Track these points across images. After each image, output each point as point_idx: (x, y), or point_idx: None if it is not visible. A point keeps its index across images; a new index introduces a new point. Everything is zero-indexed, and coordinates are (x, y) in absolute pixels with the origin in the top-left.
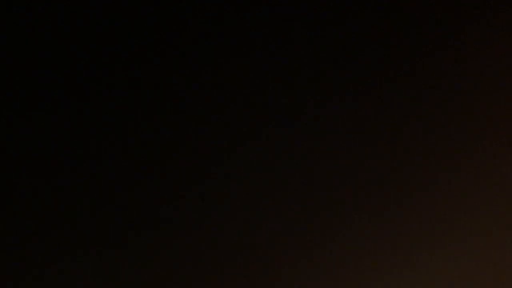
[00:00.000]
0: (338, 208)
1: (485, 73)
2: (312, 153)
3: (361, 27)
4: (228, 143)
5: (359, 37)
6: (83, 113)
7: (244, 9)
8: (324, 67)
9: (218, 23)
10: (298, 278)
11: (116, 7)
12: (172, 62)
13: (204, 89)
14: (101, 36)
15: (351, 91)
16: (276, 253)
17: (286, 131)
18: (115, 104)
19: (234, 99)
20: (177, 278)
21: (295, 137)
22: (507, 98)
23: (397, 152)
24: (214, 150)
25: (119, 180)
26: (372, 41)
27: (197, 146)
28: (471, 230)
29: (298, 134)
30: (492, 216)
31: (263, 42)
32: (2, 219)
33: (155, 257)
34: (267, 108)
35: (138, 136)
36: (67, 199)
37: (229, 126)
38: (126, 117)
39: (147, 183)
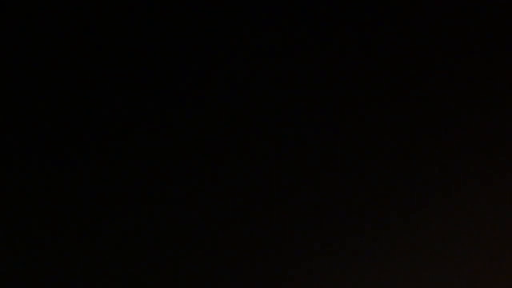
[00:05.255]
0: (338, 211)
1: (487, 73)
2: (314, 155)
3: (361, 27)
4: (228, 143)
5: (359, 37)
6: (83, 113)
7: (244, 9)
8: (324, 67)
9: (218, 23)
10: (298, 280)
11: (116, 7)
12: (172, 63)
13: (205, 89)
14: (101, 36)
15: (352, 91)
16: (276, 254)
17: (286, 132)
18: (114, 104)
19: (235, 99)
20: (177, 278)
21: (295, 137)
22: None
23: (399, 155)
24: (214, 150)
25: (118, 179)
26: (374, 42)
27: (197, 146)
28: (473, 235)
29: (299, 134)
30: (495, 220)
31: (262, 42)
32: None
33: (155, 258)
34: (266, 109)
35: (137, 135)
36: (66, 198)
37: (229, 126)
38: (125, 117)
39: (148, 183)
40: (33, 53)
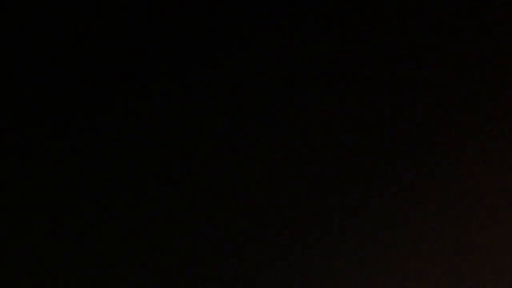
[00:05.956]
0: (336, 209)
1: (486, 72)
2: (310, 153)
3: (360, 27)
4: (226, 142)
5: (358, 36)
6: (80, 112)
7: (243, 9)
8: (323, 66)
9: (217, 23)
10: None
11: (116, 8)
12: (172, 63)
13: (205, 89)
14: (101, 37)
15: (350, 90)
16: (274, 254)
17: (285, 131)
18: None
19: (234, 99)
20: (177, 278)
21: (293, 137)
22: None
23: (396, 151)
24: (214, 150)
25: (118, 178)
26: (371, 40)
27: (197, 146)
28: (471, 233)
29: (297, 134)
30: (493, 218)
31: (261, 42)
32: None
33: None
34: (265, 108)
35: (137, 136)
36: (67, 198)
37: (228, 126)
38: (125, 117)
39: (148, 183)
40: (32, 52)
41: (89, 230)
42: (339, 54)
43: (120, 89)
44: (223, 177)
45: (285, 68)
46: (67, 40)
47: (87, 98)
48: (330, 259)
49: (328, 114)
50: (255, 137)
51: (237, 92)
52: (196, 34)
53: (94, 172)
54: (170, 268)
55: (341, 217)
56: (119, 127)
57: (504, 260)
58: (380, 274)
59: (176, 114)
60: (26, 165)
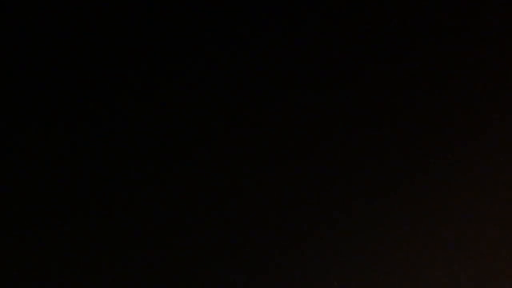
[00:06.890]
0: (336, 209)
1: (484, 72)
2: (308, 153)
3: (359, 26)
4: (227, 143)
5: (358, 35)
6: (84, 114)
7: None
8: (322, 66)
9: (217, 23)
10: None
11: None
12: (172, 63)
13: (205, 88)
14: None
15: (350, 89)
16: (274, 253)
17: (283, 131)
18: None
19: (234, 98)
20: (177, 278)
21: (292, 137)
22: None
23: (395, 151)
24: (213, 152)
25: (120, 178)
26: (371, 39)
27: (198, 146)
28: (470, 232)
29: (297, 134)
30: (492, 217)
31: (261, 42)
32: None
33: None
34: (264, 109)
35: (137, 136)
36: (66, 199)
37: (228, 126)
38: (126, 117)
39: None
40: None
41: (89, 230)
42: (339, 54)
43: (120, 89)
44: (223, 177)
45: (285, 68)
46: (67, 40)
47: (87, 98)
48: (330, 259)
49: (328, 114)
50: (255, 137)
51: (237, 92)
52: (196, 34)
53: (94, 172)
54: (170, 268)
55: (341, 217)
56: (119, 127)
57: (504, 260)
58: (380, 274)
59: (176, 114)
60: (26, 165)
